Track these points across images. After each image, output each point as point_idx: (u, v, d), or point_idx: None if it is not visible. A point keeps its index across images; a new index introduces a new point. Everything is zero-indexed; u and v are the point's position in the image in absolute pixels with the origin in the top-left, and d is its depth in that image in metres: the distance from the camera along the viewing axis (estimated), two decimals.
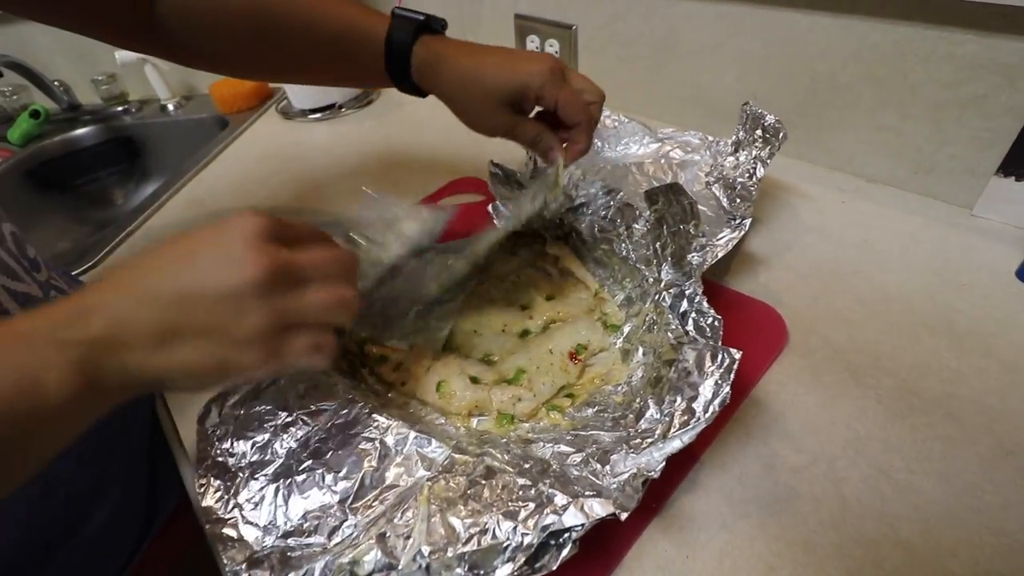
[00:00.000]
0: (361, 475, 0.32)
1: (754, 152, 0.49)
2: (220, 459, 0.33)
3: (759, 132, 0.49)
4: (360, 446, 0.33)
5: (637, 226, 0.43)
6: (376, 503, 0.31)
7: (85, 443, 0.27)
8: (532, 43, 0.88)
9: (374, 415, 0.34)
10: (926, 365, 0.41)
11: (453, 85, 0.43)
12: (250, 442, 0.34)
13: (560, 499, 0.29)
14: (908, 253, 0.51)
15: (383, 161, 0.78)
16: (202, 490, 0.32)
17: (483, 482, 0.30)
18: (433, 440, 0.33)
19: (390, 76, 0.45)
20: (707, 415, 0.31)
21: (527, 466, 0.32)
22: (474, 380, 0.41)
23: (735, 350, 0.31)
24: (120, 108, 1.08)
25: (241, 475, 0.33)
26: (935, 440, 0.36)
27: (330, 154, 0.81)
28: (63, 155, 1.03)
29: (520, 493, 0.29)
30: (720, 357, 0.32)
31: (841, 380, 0.40)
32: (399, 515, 0.29)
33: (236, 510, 0.31)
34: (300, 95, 0.90)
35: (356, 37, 0.45)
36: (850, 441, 0.36)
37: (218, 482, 0.33)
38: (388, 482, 0.31)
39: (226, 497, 0.32)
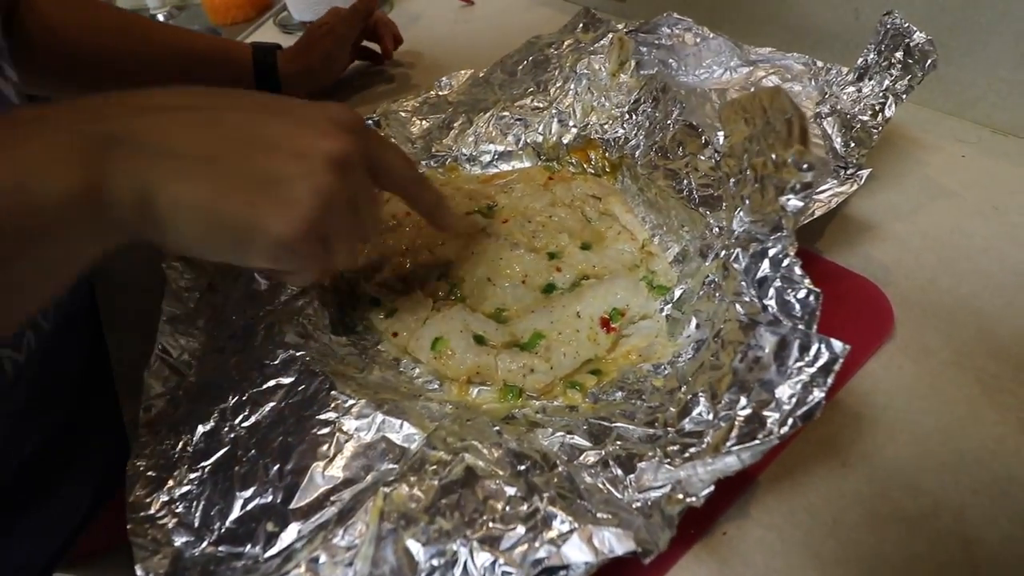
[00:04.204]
0: (311, 468, 0.24)
1: (886, 82, 0.36)
2: (160, 447, 0.27)
3: (899, 55, 0.35)
4: (314, 430, 0.25)
5: (703, 157, 0.31)
6: (327, 504, 0.23)
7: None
8: None
9: (333, 391, 0.26)
10: None
11: (323, 52, 0.59)
12: (196, 428, 0.27)
13: (561, 522, 0.20)
14: None
15: (388, 80, 0.67)
16: (133, 480, 0.25)
17: (459, 490, 0.21)
18: (406, 423, 0.24)
19: (257, 86, 0.56)
20: (782, 430, 0.21)
21: (522, 468, 0.23)
22: (479, 340, 0.32)
23: (839, 343, 0.21)
24: None
25: (180, 466, 0.26)
26: None
27: None
28: None
29: (507, 509, 0.21)
30: (815, 350, 0.21)
31: (969, 395, 0.29)
32: (341, 531, 0.21)
33: (168, 508, 0.24)
34: (301, 6, 0.78)
35: (223, 57, 0.56)
36: (985, 485, 0.25)
37: (152, 472, 0.26)
38: (343, 477, 0.23)
39: (158, 492, 0.25)
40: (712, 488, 0.21)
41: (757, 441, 0.21)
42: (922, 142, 0.46)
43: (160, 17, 0.93)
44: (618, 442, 0.25)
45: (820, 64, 0.45)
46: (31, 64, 0.45)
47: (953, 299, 0.34)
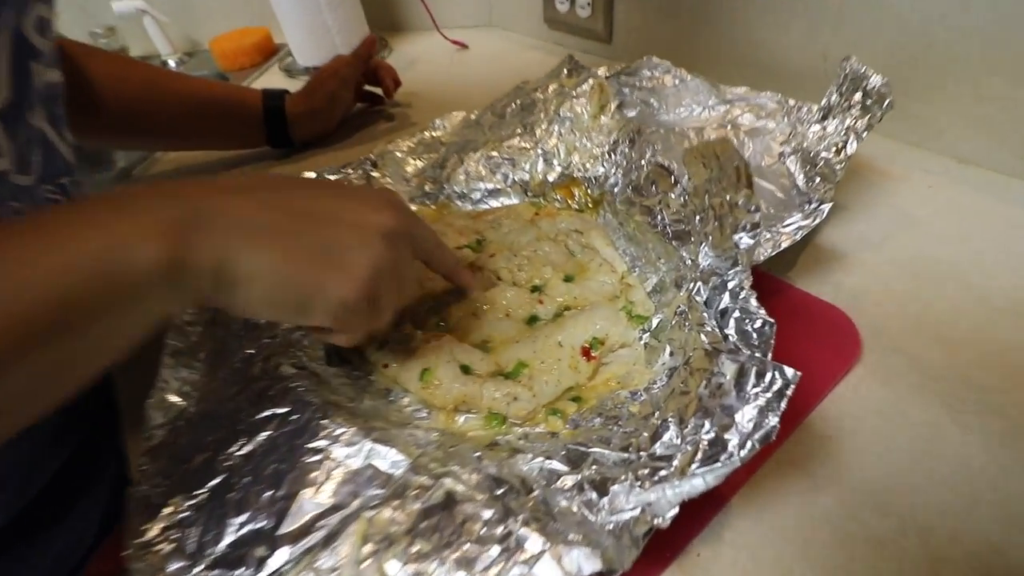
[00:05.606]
0: (300, 495, 0.25)
1: (847, 121, 0.38)
2: (160, 475, 0.28)
3: (858, 96, 0.38)
4: (304, 458, 0.26)
5: (673, 195, 0.33)
6: (314, 529, 0.24)
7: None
8: None
9: (324, 420, 0.27)
10: None
11: (327, 94, 0.62)
12: (194, 457, 0.28)
13: (533, 543, 0.21)
14: (1016, 254, 0.39)
15: (388, 119, 0.70)
16: (132, 507, 0.26)
17: (439, 513, 0.22)
18: (392, 450, 0.26)
19: (266, 127, 0.60)
20: (743, 453, 0.22)
21: (499, 492, 0.24)
22: (465, 370, 0.33)
23: (791, 370, 0.22)
24: None
25: (178, 493, 0.27)
26: None
27: None
28: None
29: (483, 531, 0.22)
30: (769, 376, 0.22)
31: (935, 417, 0.30)
32: (326, 554, 0.22)
33: (165, 534, 0.25)
34: (305, 51, 0.82)
35: (236, 101, 0.59)
36: (950, 505, 0.26)
37: (151, 499, 0.27)
38: (331, 503, 0.24)
39: (156, 519, 0.26)
40: (677, 510, 0.22)
41: (719, 464, 0.22)
42: (890, 173, 0.48)
43: (171, 63, 0.98)
44: (594, 466, 0.26)
45: (792, 102, 0.47)
46: (69, 115, 0.48)
47: (919, 325, 0.35)
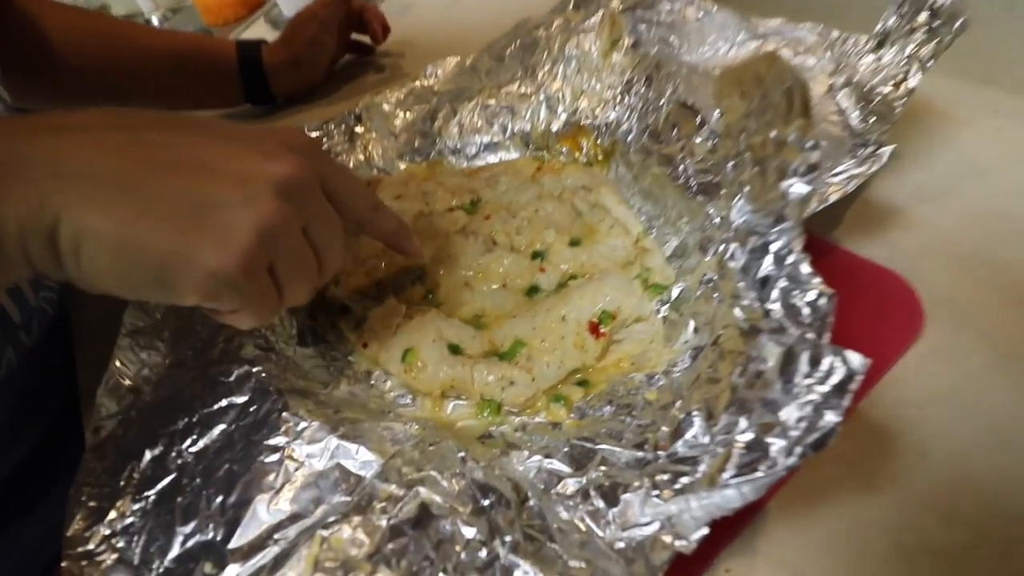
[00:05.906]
0: (255, 502, 0.21)
1: (909, 49, 0.32)
2: (106, 473, 0.24)
3: (923, 17, 0.31)
4: (261, 457, 0.22)
5: (698, 139, 0.28)
6: (269, 543, 0.20)
7: None
8: None
9: (285, 413, 0.23)
10: None
11: (308, 39, 0.56)
12: (144, 453, 0.24)
13: (523, 573, 0.17)
14: None
15: (379, 70, 0.64)
16: (74, 511, 0.23)
17: (409, 532, 0.18)
18: (362, 448, 0.22)
19: (243, 81, 0.55)
20: (789, 460, 0.17)
21: (486, 503, 0.19)
22: (454, 349, 0.29)
23: (858, 356, 0.17)
24: None
25: (124, 495, 0.23)
26: None
27: None
28: None
29: (462, 556, 0.18)
30: (827, 364, 0.17)
31: (1012, 403, 0.25)
32: None
33: (108, 542, 0.22)
34: (291, 1, 0.75)
35: (209, 54, 0.55)
36: None
37: (94, 502, 0.23)
38: (290, 511, 0.21)
39: (99, 525, 0.23)
40: (707, 529, 0.18)
41: (760, 473, 0.17)
42: (951, 115, 0.42)
43: (154, 20, 0.92)
44: (602, 468, 0.22)
45: (836, 34, 0.40)
46: (17, 73, 0.43)
47: (992, 292, 0.29)
